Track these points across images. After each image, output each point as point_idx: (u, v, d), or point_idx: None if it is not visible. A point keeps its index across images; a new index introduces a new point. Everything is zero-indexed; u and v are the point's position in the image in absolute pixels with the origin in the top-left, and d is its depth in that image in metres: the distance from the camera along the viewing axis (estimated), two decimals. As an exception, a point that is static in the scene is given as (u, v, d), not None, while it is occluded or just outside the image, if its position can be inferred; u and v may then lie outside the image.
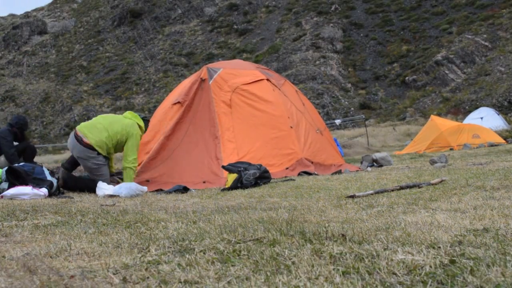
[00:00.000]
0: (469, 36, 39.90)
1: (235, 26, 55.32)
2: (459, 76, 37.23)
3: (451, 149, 12.93)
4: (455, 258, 1.40)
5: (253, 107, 6.60)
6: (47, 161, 18.14)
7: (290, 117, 6.66)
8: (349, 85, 42.10)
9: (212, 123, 6.34)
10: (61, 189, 4.89)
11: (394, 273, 1.31)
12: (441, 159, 6.73)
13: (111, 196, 4.46)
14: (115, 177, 5.60)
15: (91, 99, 48.14)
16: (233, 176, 4.93)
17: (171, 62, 52.45)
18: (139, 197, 4.42)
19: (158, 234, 2.07)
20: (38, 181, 4.53)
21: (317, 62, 43.87)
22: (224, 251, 1.63)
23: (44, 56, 60.16)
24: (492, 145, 12.93)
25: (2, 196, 4.18)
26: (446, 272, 1.28)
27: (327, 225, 2.12)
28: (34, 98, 49.58)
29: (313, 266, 1.41)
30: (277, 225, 2.12)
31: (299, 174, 6.06)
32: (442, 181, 3.86)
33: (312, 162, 6.45)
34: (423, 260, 1.40)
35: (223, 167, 5.33)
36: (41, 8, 74.55)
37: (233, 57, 44.43)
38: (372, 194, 3.40)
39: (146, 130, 5.79)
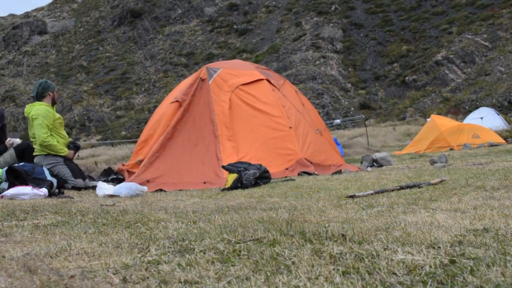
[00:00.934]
0: (469, 36, 39.92)
1: (235, 26, 55.35)
2: (459, 76, 37.25)
3: (451, 149, 12.93)
4: (455, 258, 1.40)
5: (253, 107, 6.61)
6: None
7: (289, 117, 6.66)
8: (349, 85, 42.13)
9: (212, 123, 6.34)
10: (61, 189, 4.90)
11: (394, 273, 1.31)
12: (441, 159, 6.73)
13: (111, 196, 4.47)
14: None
15: (91, 99, 48.17)
16: (233, 176, 4.93)
17: (171, 62, 52.47)
18: (139, 197, 4.42)
19: (158, 234, 2.07)
20: (38, 181, 4.52)
21: (317, 62, 43.89)
22: (224, 251, 1.63)
23: (44, 56, 60.19)
24: (492, 145, 12.92)
25: (2, 196, 4.18)
26: (446, 272, 1.28)
27: (327, 225, 2.12)
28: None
29: (313, 266, 1.41)
30: (277, 225, 2.12)
31: (299, 174, 6.05)
32: (442, 181, 3.86)
33: (311, 163, 6.45)
34: (423, 260, 1.40)
35: (223, 167, 5.33)
36: (41, 8, 74.59)
37: (233, 57, 44.45)
38: (372, 194, 3.40)
39: (47, 85, 5.82)
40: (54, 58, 59.44)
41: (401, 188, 3.60)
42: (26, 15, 71.42)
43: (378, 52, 45.76)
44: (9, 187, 4.43)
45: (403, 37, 45.85)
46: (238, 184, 4.81)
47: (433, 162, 6.70)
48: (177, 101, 6.60)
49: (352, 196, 3.30)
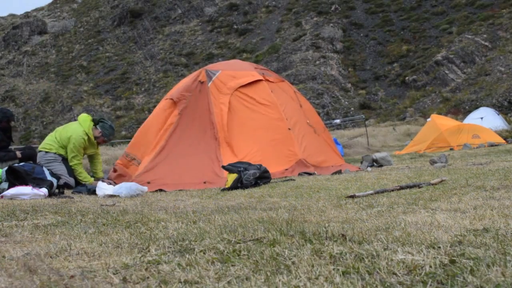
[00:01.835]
0: (469, 36, 39.92)
1: (235, 26, 55.33)
2: (459, 76, 37.24)
3: (451, 149, 12.92)
4: (455, 258, 1.40)
5: (252, 110, 6.64)
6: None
7: (288, 118, 6.68)
8: (349, 85, 42.12)
9: (212, 125, 6.37)
10: (61, 189, 4.90)
11: (394, 273, 1.31)
12: (441, 159, 6.73)
13: (111, 196, 4.47)
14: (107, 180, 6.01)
15: (91, 99, 48.15)
16: (233, 176, 4.93)
17: (171, 62, 52.46)
18: (139, 197, 4.42)
19: (158, 234, 2.07)
20: (38, 181, 4.53)
21: (317, 62, 43.88)
22: (224, 251, 1.63)
23: (44, 56, 60.17)
24: (492, 145, 12.92)
25: (2, 196, 4.18)
26: (446, 272, 1.28)
27: (327, 225, 2.12)
28: (34, 98, 49.62)
29: (313, 266, 1.41)
30: (277, 225, 2.12)
31: (299, 174, 6.06)
32: (442, 181, 3.86)
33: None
34: (423, 260, 1.40)
35: (223, 167, 5.34)
36: (41, 8, 74.57)
37: (233, 57, 44.42)
38: (372, 194, 3.40)
39: (106, 132, 6.19)
40: (54, 58, 59.42)
41: (401, 188, 3.60)
42: (26, 15, 71.41)
43: (378, 52, 45.75)
44: (9, 187, 4.43)
45: (403, 37, 45.85)
46: (238, 184, 4.81)
47: (433, 162, 6.70)
48: (171, 99, 6.63)
49: (352, 196, 3.30)
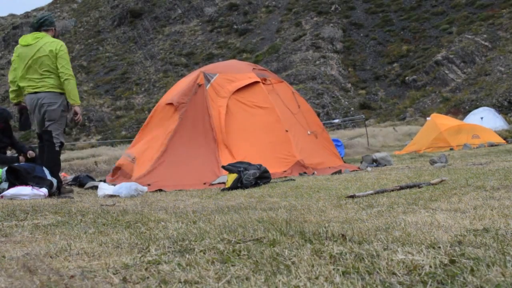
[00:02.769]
0: (469, 36, 39.92)
1: (235, 26, 55.34)
2: (459, 76, 37.25)
3: (451, 149, 12.92)
4: (455, 258, 1.40)
5: (249, 113, 6.68)
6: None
7: (285, 120, 6.71)
8: (349, 85, 42.13)
9: (210, 129, 6.39)
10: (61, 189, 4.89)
11: (394, 273, 1.31)
12: (441, 159, 6.73)
13: (111, 196, 4.47)
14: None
15: (91, 99, 48.14)
16: (233, 176, 4.93)
17: (171, 62, 52.47)
18: (139, 197, 4.42)
19: (158, 234, 2.07)
20: (38, 180, 4.52)
21: (317, 62, 43.89)
22: (224, 251, 1.63)
23: (44, 56, 60.05)
24: (492, 145, 12.91)
25: (2, 196, 4.18)
26: (446, 272, 1.28)
27: (327, 225, 2.12)
28: (34, 98, 49.49)
29: (313, 266, 1.41)
30: (277, 225, 2.12)
31: (299, 174, 6.07)
32: (442, 181, 3.86)
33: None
34: (423, 260, 1.40)
35: (223, 167, 5.34)
36: (41, 8, 74.61)
37: (233, 57, 44.43)
38: (372, 194, 3.40)
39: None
40: (54, 58, 59.32)
41: (401, 188, 3.60)
42: (26, 15, 71.42)
43: (378, 52, 45.76)
44: (9, 187, 4.43)
45: (403, 37, 45.86)
46: (238, 184, 4.81)
47: (433, 162, 6.70)
48: (171, 103, 6.67)
49: (352, 196, 3.30)
